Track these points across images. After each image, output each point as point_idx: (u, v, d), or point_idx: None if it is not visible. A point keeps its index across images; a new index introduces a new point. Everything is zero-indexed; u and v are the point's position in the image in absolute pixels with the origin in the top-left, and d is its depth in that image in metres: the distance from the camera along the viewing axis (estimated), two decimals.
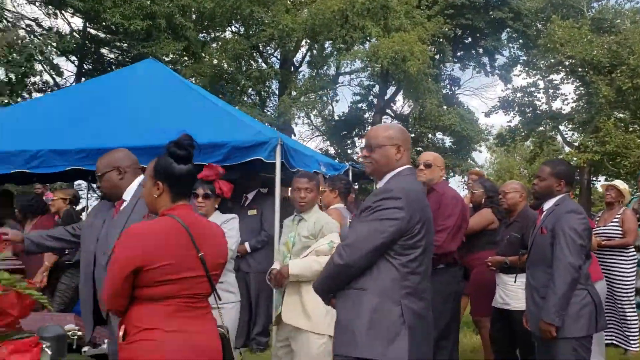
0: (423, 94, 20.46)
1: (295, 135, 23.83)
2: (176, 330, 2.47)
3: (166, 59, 18.08)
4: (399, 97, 25.73)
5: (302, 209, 4.14)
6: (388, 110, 25.86)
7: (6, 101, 12.70)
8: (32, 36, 16.00)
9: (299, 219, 4.16)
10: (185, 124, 5.75)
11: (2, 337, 1.01)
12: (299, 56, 23.91)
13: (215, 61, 20.57)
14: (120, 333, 2.52)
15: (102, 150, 5.49)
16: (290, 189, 7.82)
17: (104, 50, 19.79)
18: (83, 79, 17.95)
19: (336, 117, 26.15)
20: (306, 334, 3.88)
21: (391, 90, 24.99)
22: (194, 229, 2.57)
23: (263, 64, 22.66)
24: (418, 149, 22.37)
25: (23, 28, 16.48)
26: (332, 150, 25.60)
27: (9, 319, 1.06)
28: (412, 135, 22.41)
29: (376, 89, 25.30)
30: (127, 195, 3.34)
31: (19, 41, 13.41)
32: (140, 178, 3.38)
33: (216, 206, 4.07)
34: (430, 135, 24.96)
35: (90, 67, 19.32)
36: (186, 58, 19.74)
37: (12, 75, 13.41)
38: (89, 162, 5.58)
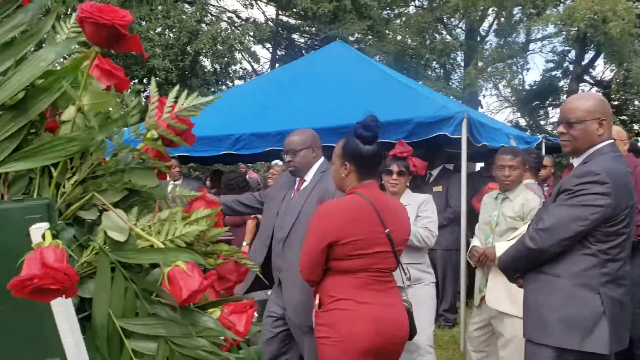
0: (628, 57, 18.38)
1: (482, 107, 23.02)
2: (367, 302, 2.63)
3: (351, 39, 18.52)
4: (599, 62, 23.39)
5: (507, 188, 3.94)
6: (586, 77, 23.69)
7: (213, 90, 14.10)
8: (232, 27, 17.41)
9: (502, 197, 3.97)
10: (371, 103, 6.00)
11: (222, 300, 1.20)
12: (485, 25, 22.93)
13: (398, 37, 20.59)
14: (316, 301, 2.75)
15: None
16: (478, 164, 7.67)
17: (295, 36, 20.86)
18: (277, 64, 19.14)
19: (527, 87, 24.63)
20: (511, 318, 3.72)
21: (589, 54, 22.84)
22: (380, 206, 2.70)
23: (447, 36, 22.15)
24: (622, 117, 20.26)
25: (225, 20, 18.04)
26: (523, 122, 24.24)
27: (229, 284, 1.27)
28: (615, 102, 20.25)
29: (572, 54, 23.29)
30: (309, 175, 3.51)
31: (222, 33, 14.68)
32: (321, 161, 3.54)
33: (407, 184, 3.98)
34: (636, 102, 22.40)
35: (283, 52, 20.52)
36: (370, 37, 20.02)
37: (217, 66, 14.81)
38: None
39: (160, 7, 13.26)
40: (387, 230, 2.68)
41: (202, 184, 8.05)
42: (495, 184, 4.27)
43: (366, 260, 2.65)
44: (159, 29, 13.21)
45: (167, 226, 1.15)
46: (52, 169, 1.13)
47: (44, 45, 1.17)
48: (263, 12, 20.77)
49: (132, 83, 15.48)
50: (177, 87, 1.22)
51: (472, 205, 6.16)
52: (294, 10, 18.03)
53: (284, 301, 3.45)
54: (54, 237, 1.00)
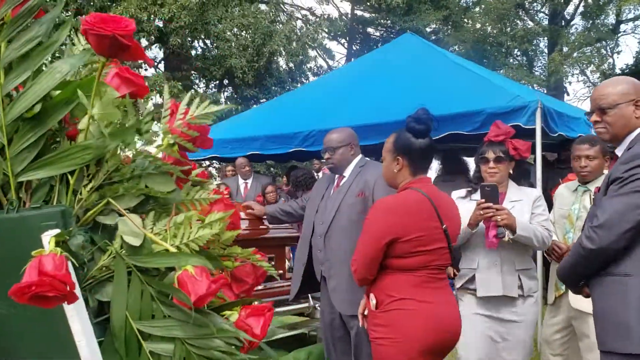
0: None
1: (568, 94, 21.93)
2: (427, 301, 2.57)
3: (428, 30, 18.19)
4: None
5: (585, 179, 3.66)
6: None
7: (288, 88, 14.27)
8: (307, 25, 17.55)
9: (583, 189, 3.68)
10: (441, 95, 5.87)
11: (239, 302, 1.21)
12: (570, 9, 21.82)
13: (478, 25, 20.00)
14: (373, 301, 2.70)
15: (366, 127, 5.96)
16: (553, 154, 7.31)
17: (370, 30, 20.74)
18: (352, 59, 19.10)
19: (618, 71, 23.21)
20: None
21: None
22: (437, 201, 2.64)
23: (529, 22, 21.27)
24: None
25: (299, 18, 18.20)
26: None
27: (246, 286, 1.27)
28: None
29: None
30: (348, 171, 3.59)
31: (297, 32, 14.82)
32: (359, 157, 3.62)
33: (511, 171, 3.40)
34: None
35: (358, 47, 20.45)
36: (448, 27, 19.58)
37: (292, 64, 14.98)
38: None
39: (236, 10, 13.55)
40: (444, 226, 2.62)
41: (271, 180, 8.19)
42: (574, 174, 4.02)
43: (427, 257, 2.59)
44: (235, 30, 13.52)
45: (183, 230, 1.17)
46: (70, 177, 1.17)
47: (61, 56, 1.21)
48: (337, 8, 20.81)
49: (213, 84, 15.97)
50: (189, 94, 1.23)
51: (550, 197, 5.88)
52: (368, 3, 17.92)
53: (329, 295, 3.51)
54: (63, 243, 1.04)
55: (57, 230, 1.06)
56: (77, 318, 1.06)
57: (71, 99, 1.15)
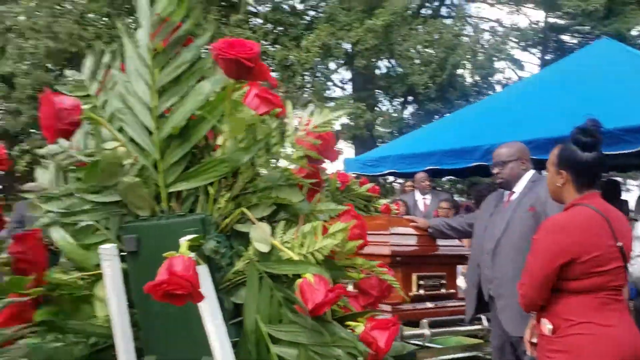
0: None
1: None
2: (610, 325, 2.41)
3: (633, 34, 16.49)
4: None
5: None
6: None
7: (472, 101, 13.91)
8: (494, 37, 16.96)
9: None
10: (638, 104, 5.30)
11: (364, 313, 1.23)
12: None
13: None
14: (549, 326, 2.53)
15: (555, 140, 5.56)
16: None
17: (565, 37, 19.41)
18: None
19: None
20: None
21: None
22: (610, 217, 2.47)
23: None
24: None
25: (487, 30, 17.67)
26: None
27: (371, 299, 1.29)
28: None
29: None
30: (518, 187, 3.42)
31: (485, 43, 14.44)
32: (531, 173, 3.44)
33: None
34: None
35: (552, 56, 19.22)
36: None
37: (477, 77, 14.59)
38: (538, 152, 5.67)
39: (420, 27, 13.59)
40: (619, 244, 2.44)
41: (449, 197, 8.04)
42: None
43: (604, 278, 2.42)
44: (418, 47, 13.57)
45: (309, 239, 1.22)
46: (209, 188, 1.30)
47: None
48: (527, 17, 19.81)
49: (397, 101, 16.15)
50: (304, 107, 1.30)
51: None
52: (562, 11, 16.81)
53: (497, 315, 3.39)
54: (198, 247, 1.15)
55: (192, 236, 1.18)
56: (211, 319, 1.16)
57: (209, 118, 1.27)
